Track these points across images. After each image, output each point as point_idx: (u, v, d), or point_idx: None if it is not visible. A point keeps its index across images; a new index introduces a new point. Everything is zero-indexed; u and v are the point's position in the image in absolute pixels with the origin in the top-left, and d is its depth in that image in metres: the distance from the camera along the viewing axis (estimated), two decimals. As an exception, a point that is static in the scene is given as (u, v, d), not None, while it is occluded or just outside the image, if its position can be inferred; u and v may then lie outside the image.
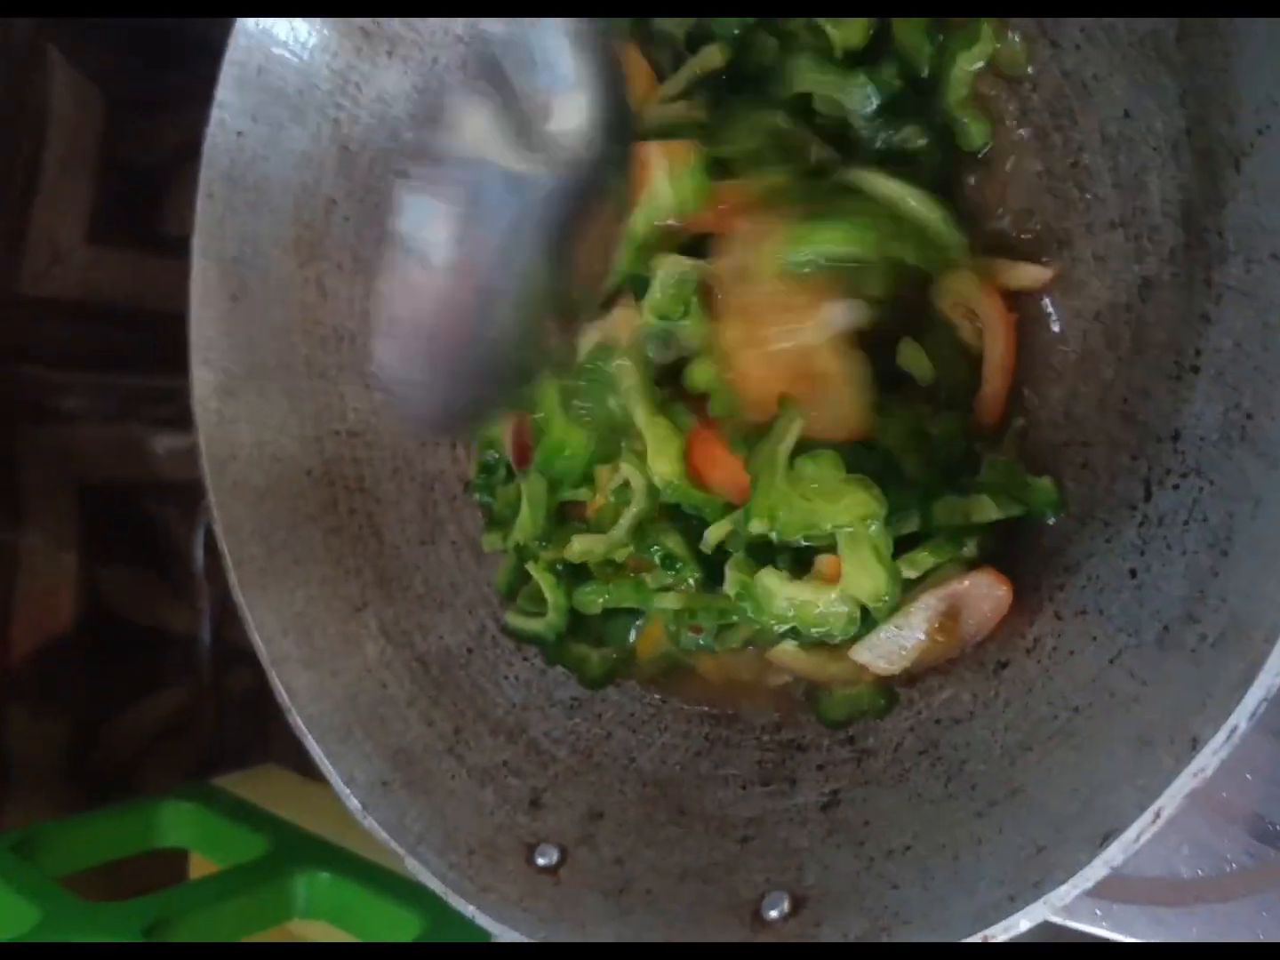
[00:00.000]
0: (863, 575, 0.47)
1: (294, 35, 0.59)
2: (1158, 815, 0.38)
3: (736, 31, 0.54)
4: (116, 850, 0.73)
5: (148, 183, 0.87)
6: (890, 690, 0.52)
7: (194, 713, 0.92)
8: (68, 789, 0.86)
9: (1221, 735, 0.37)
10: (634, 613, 0.58)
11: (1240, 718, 0.37)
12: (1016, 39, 0.50)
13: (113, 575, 0.88)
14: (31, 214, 0.83)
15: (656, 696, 0.58)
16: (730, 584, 0.50)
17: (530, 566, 0.58)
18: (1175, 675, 0.41)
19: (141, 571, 0.91)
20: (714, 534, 0.51)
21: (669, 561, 0.53)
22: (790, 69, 0.52)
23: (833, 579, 0.48)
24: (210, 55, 0.63)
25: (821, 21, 0.52)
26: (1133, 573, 0.45)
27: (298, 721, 0.58)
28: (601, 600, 0.57)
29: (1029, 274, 0.50)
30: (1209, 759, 0.37)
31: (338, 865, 0.66)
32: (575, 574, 0.58)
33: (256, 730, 0.88)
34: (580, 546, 0.56)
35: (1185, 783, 0.38)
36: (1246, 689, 0.37)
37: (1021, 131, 0.51)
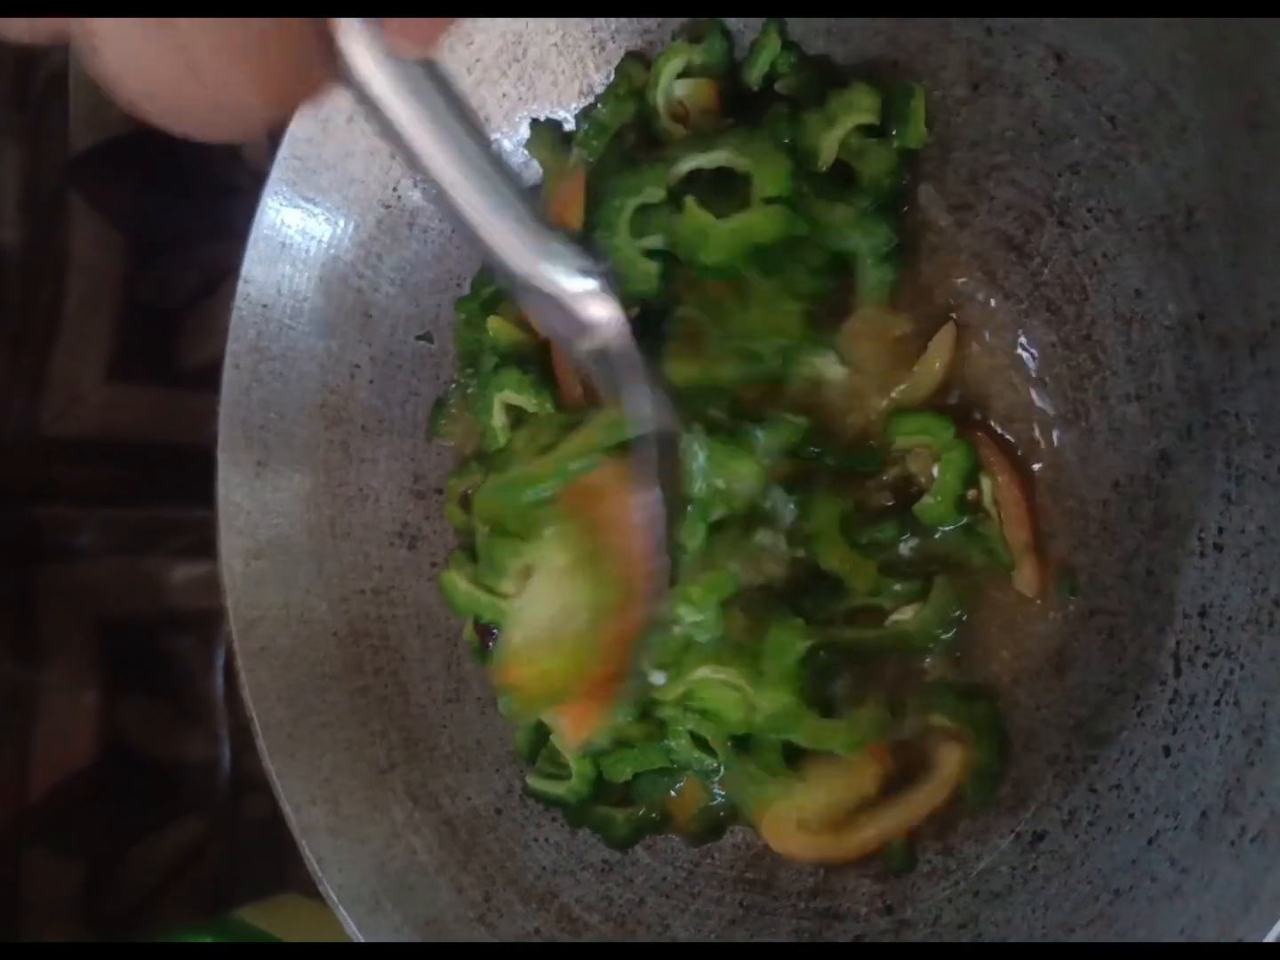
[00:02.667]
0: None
1: (317, 211, 0.60)
2: (1207, 1019, 0.38)
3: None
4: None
5: (165, 319, 0.88)
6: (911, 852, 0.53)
7: (212, 841, 0.91)
8: (84, 928, 0.85)
9: (1269, 941, 0.37)
10: (666, 771, 0.58)
11: (1286, 924, 0.37)
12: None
13: (131, 709, 0.88)
14: (52, 356, 0.85)
15: (689, 861, 0.58)
16: None
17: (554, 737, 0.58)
18: (1218, 869, 0.40)
19: (159, 703, 0.90)
20: None
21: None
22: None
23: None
24: (227, 192, 0.64)
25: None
26: (1166, 750, 0.46)
27: (328, 892, 0.57)
28: (630, 768, 0.57)
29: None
30: (1256, 963, 0.37)
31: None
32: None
33: (276, 858, 0.87)
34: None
35: (1233, 986, 0.38)
36: (1292, 896, 0.36)
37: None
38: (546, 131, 0.60)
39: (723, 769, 0.56)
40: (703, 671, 0.52)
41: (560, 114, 0.60)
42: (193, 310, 0.88)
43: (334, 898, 0.57)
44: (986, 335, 0.53)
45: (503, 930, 0.57)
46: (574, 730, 0.50)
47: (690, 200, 0.51)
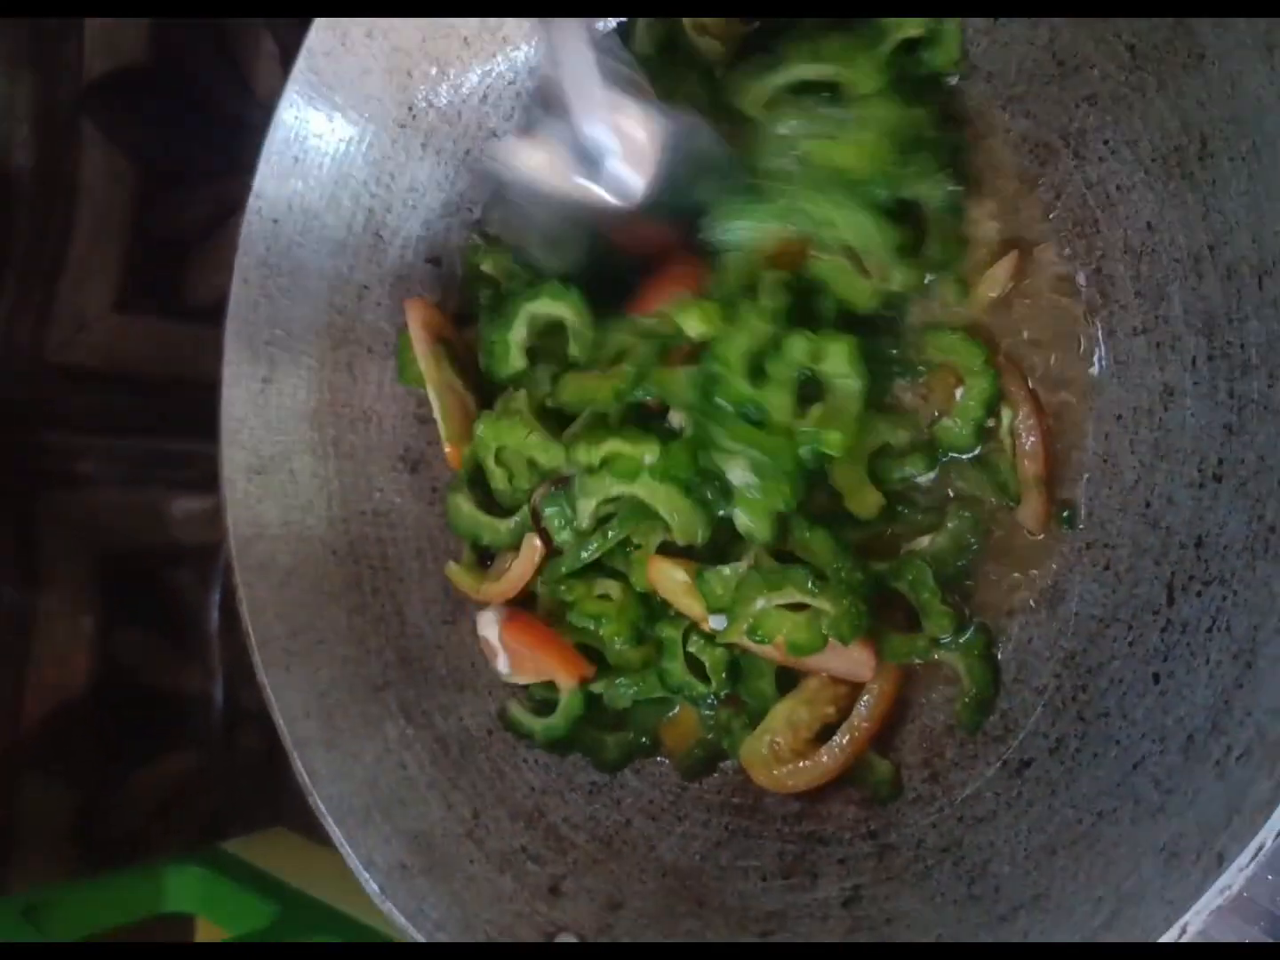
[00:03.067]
0: None
1: (331, 127, 0.60)
2: (1184, 930, 0.38)
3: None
4: (123, 915, 0.72)
5: (174, 253, 0.88)
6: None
7: (204, 774, 0.91)
8: (76, 854, 0.85)
9: (1248, 853, 0.37)
10: (662, 699, 0.58)
11: (1267, 836, 0.37)
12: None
13: (128, 638, 0.89)
14: (60, 283, 0.85)
15: (677, 785, 0.58)
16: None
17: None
18: (1201, 787, 0.41)
19: (156, 634, 0.91)
20: None
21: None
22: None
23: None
24: (239, 130, 0.64)
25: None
26: (1156, 678, 0.46)
27: (318, 803, 0.58)
28: (632, 693, 0.57)
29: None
30: (1235, 876, 0.38)
31: (345, 933, 0.66)
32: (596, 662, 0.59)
33: (266, 792, 0.88)
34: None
35: (1212, 899, 0.38)
36: (1274, 807, 0.37)
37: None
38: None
39: (715, 697, 0.56)
40: (760, 603, 0.52)
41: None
42: (202, 244, 0.88)
43: (323, 809, 0.57)
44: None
45: (490, 846, 0.58)
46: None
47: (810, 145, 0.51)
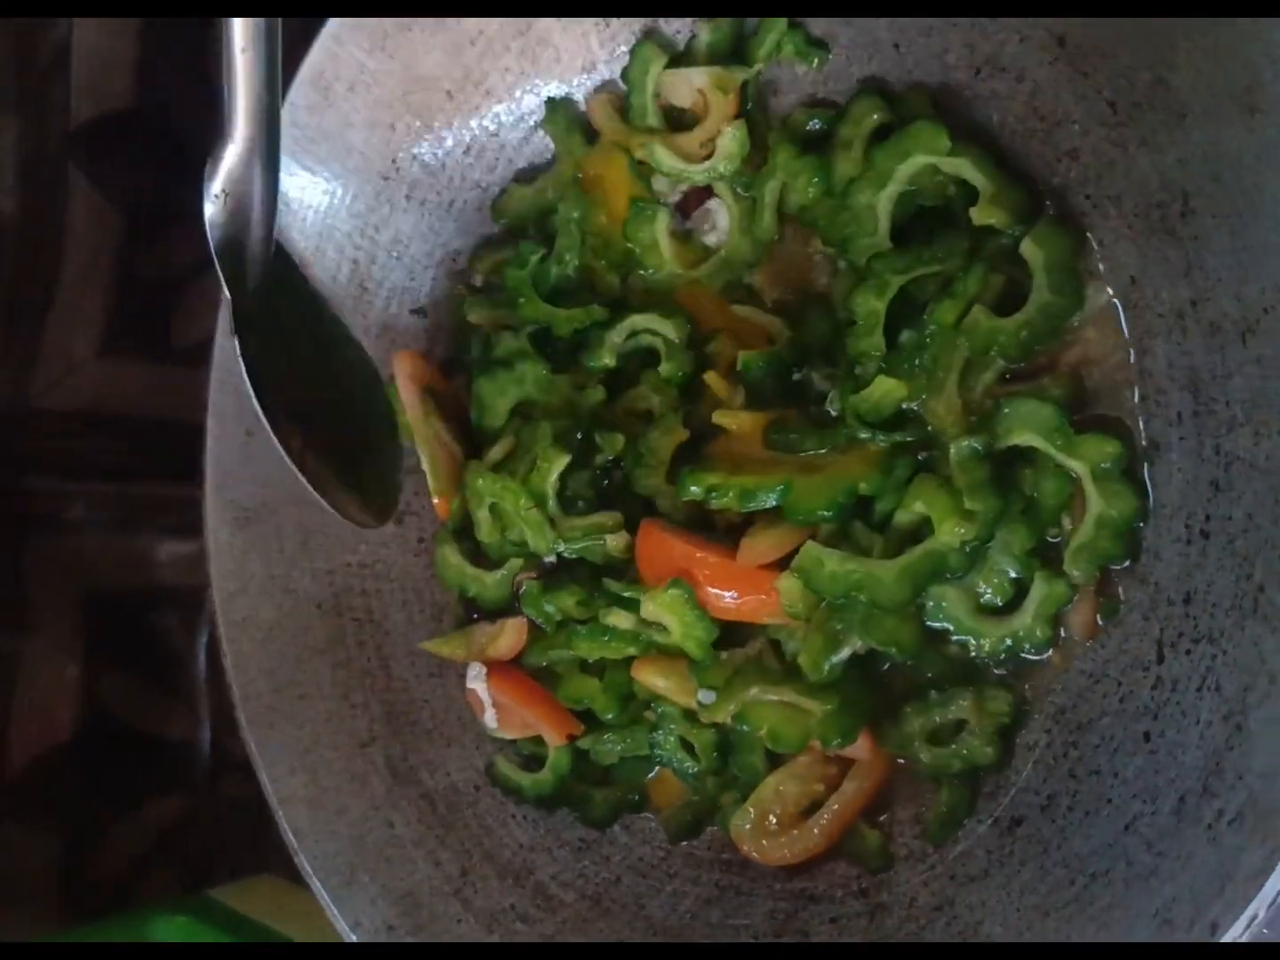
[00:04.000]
0: None
1: (315, 180, 0.60)
2: (1179, 999, 0.38)
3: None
4: (107, 965, 0.72)
5: (160, 297, 0.88)
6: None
7: (191, 821, 0.90)
8: (59, 904, 0.84)
9: (1241, 924, 0.37)
10: (647, 759, 0.57)
11: (1260, 906, 0.37)
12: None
13: (114, 683, 0.88)
14: (46, 328, 0.84)
15: (666, 841, 0.57)
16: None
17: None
18: (1194, 852, 0.40)
19: (142, 679, 0.90)
20: None
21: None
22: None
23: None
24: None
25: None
26: (1146, 736, 0.46)
27: (303, 863, 0.57)
28: (619, 750, 0.57)
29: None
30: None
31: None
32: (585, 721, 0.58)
33: (252, 839, 0.87)
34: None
35: (1206, 969, 0.37)
36: (1266, 877, 0.36)
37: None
38: (562, 109, 0.61)
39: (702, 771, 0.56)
40: (754, 692, 0.52)
41: (563, 89, 0.60)
42: (187, 288, 0.88)
43: (309, 869, 0.57)
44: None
45: (478, 905, 0.57)
46: None
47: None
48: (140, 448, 0.88)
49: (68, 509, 0.87)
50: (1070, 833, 0.47)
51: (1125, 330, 0.49)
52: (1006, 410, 0.48)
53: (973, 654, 0.50)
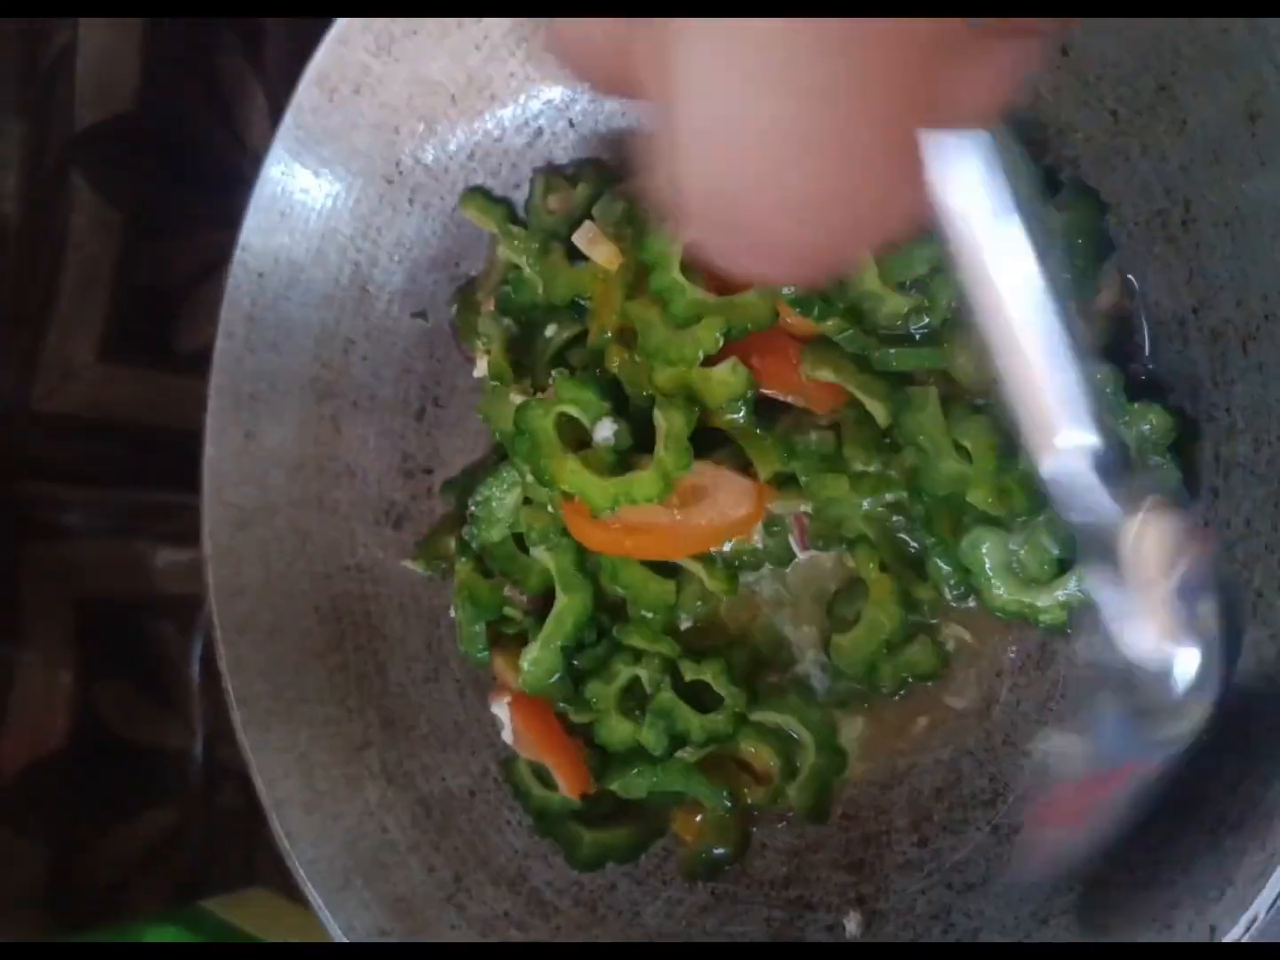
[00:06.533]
0: None
1: (318, 182, 0.60)
2: (1179, 1004, 0.38)
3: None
4: (99, 976, 0.71)
5: (162, 303, 0.88)
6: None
7: (183, 831, 0.90)
8: (49, 913, 0.84)
9: (1240, 927, 0.36)
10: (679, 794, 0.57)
11: (1259, 909, 0.36)
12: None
13: (107, 693, 0.87)
14: (46, 333, 0.84)
15: (662, 848, 0.57)
16: None
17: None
18: (1193, 856, 0.40)
19: (136, 687, 0.90)
20: None
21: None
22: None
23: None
24: (229, 181, 0.64)
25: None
26: (1147, 742, 0.45)
27: (297, 867, 0.57)
28: (649, 784, 0.56)
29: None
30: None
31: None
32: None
33: (244, 850, 0.86)
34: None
35: (1206, 973, 0.37)
36: (1265, 881, 0.36)
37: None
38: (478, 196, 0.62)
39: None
40: None
41: (567, 95, 0.61)
42: (189, 295, 0.88)
43: (303, 873, 0.57)
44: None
45: (472, 911, 0.57)
46: None
47: None
48: (138, 454, 0.88)
49: (64, 514, 0.87)
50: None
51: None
52: None
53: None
